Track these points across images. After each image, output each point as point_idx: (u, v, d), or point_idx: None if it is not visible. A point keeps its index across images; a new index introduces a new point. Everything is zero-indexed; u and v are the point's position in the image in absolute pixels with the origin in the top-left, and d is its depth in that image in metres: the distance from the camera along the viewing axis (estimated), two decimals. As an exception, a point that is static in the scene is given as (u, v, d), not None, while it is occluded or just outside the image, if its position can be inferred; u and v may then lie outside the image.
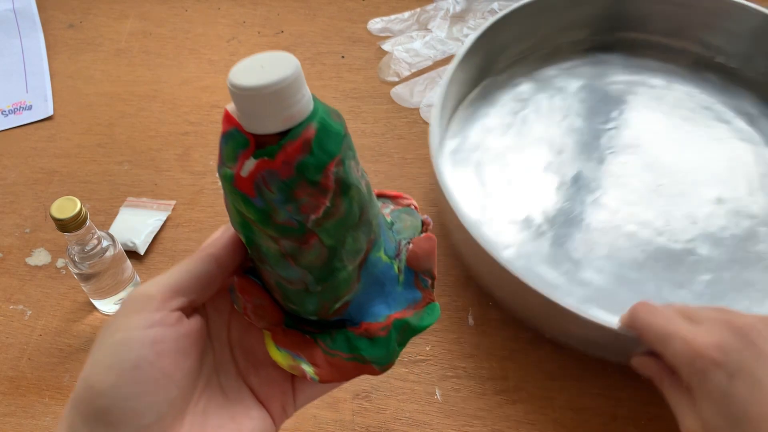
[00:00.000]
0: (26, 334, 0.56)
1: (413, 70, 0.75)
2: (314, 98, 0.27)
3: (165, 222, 0.63)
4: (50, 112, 0.74)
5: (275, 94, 0.25)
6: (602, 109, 0.64)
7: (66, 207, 0.47)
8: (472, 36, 0.61)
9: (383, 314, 0.31)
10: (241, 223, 0.29)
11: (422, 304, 0.32)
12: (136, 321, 0.26)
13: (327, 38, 0.80)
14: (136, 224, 0.61)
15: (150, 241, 0.61)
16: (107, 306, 0.56)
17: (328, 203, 0.27)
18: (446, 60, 0.76)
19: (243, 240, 0.30)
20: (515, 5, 0.63)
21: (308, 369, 0.31)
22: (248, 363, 0.31)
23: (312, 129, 0.26)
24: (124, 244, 0.59)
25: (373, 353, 0.31)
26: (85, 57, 0.80)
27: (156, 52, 0.80)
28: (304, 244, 0.28)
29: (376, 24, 0.81)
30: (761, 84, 0.65)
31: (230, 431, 0.28)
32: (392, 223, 0.33)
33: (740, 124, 0.63)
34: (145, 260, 0.60)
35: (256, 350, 0.31)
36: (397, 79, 0.74)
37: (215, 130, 0.71)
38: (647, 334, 0.38)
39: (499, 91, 0.67)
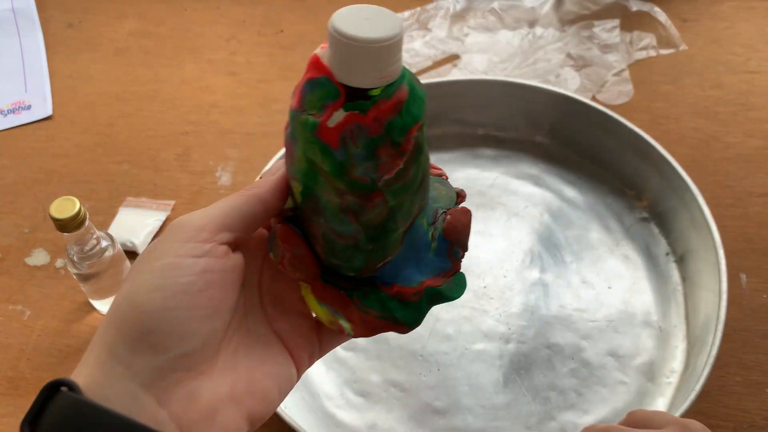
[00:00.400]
0: (25, 334, 0.56)
1: (413, 71, 0.75)
2: None
3: (164, 222, 0.62)
4: (49, 112, 0.74)
5: (384, 49, 0.25)
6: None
7: (65, 207, 0.47)
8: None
9: (416, 279, 0.32)
10: (306, 172, 0.28)
11: (450, 274, 0.33)
12: (185, 248, 0.26)
13: (327, 38, 0.80)
14: (136, 224, 0.61)
15: (149, 241, 0.61)
16: (106, 306, 0.56)
17: (402, 165, 0.27)
18: (446, 59, 0.76)
19: (297, 189, 0.29)
20: None
21: (345, 325, 0.31)
22: (276, 310, 0.31)
23: (404, 91, 0.26)
24: (123, 244, 0.59)
25: (404, 315, 0.32)
26: (84, 57, 0.80)
27: (155, 52, 0.80)
28: (369, 202, 0.28)
29: (376, 23, 0.81)
30: (526, 144, 0.64)
31: (260, 374, 0.28)
32: (434, 189, 0.33)
33: (529, 188, 0.61)
34: (144, 260, 0.60)
35: (285, 298, 0.31)
36: (397, 79, 0.74)
37: (215, 129, 0.71)
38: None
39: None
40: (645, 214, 0.58)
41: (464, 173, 0.62)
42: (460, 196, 0.34)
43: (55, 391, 0.24)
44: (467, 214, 0.33)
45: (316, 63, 0.27)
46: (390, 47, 0.25)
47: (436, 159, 0.63)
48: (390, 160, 0.27)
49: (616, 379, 0.49)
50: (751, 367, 0.52)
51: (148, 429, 0.23)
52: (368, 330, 0.32)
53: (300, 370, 0.31)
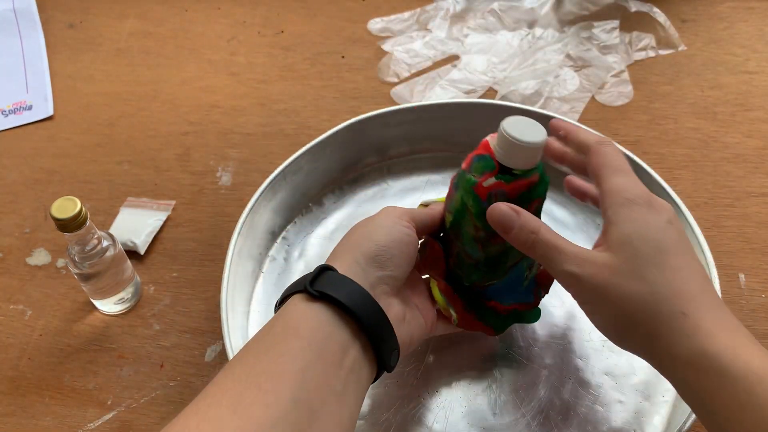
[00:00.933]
0: (26, 334, 0.56)
1: (412, 71, 0.75)
2: None
3: (165, 222, 0.63)
4: (50, 112, 0.74)
5: (533, 149, 0.39)
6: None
7: (66, 207, 0.47)
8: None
9: (508, 301, 0.47)
10: (459, 209, 0.43)
11: (532, 306, 0.48)
12: (398, 223, 0.43)
13: (327, 38, 0.80)
14: (137, 224, 0.62)
15: (150, 240, 0.61)
16: (107, 306, 0.56)
17: None
18: (446, 60, 0.76)
19: (449, 219, 0.45)
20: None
21: (453, 314, 0.47)
22: (411, 291, 0.46)
23: (536, 176, 0.41)
24: (124, 244, 0.59)
25: (495, 322, 0.48)
26: (85, 57, 0.80)
27: (156, 52, 0.80)
28: (493, 240, 0.42)
29: (376, 24, 0.81)
30: None
31: (415, 316, 0.44)
32: None
33: None
34: (145, 260, 0.60)
35: (417, 285, 0.47)
36: (396, 80, 0.75)
37: (215, 129, 0.71)
38: (608, 161, 0.41)
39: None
40: None
41: None
42: None
43: (323, 269, 0.40)
44: None
45: (486, 145, 0.42)
46: (534, 149, 0.39)
47: (427, 180, 0.64)
48: None
49: (613, 398, 0.49)
50: (749, 366, 0.52)
51: (372, 299, 0.39)
52: (467, 324, 0.47)
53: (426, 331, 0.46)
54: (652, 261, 0.36)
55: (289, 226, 0.60)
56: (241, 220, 0.54)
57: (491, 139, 0.41)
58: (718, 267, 0.50)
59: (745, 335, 0.35)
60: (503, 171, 0.40)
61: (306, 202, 0.61)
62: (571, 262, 0.38)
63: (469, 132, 0.64)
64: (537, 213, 0.43)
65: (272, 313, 0.54)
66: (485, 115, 0.62)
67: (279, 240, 0.59)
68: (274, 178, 0.57)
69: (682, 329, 0.35)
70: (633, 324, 0.37)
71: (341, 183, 0.63)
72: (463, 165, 0.43)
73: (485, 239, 0.43)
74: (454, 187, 0.43)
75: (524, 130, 0.39)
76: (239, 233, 0.53)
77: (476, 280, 0.46)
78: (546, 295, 0.49)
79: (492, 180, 0.40)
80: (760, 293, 0.56)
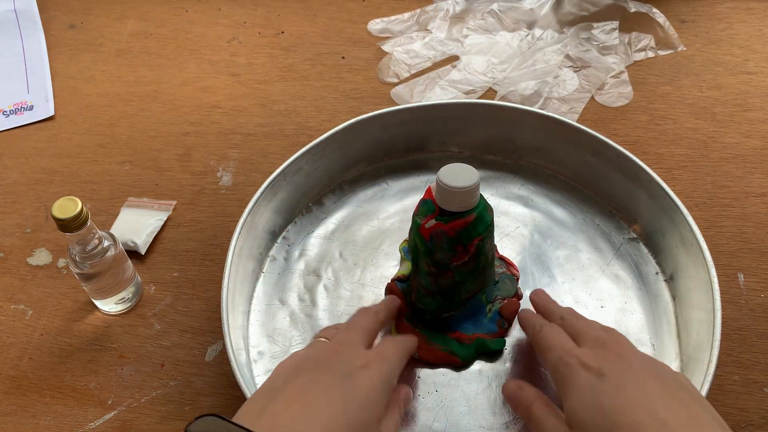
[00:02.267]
0: (27, 333, 0.56)
1: (412, 72, 0.75)
2: (481, 196, 0.46)
3: (166, 222, 0.63)
4: (51, 113, 0.74)
5: (465, 193, 0.44)
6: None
7: (67, 207, 0.47)
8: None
9: (471, 331, 0.51)
10: (414, 249, 0.49)
11: (495, 335, 0.51)
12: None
13: (327, 39, 0.80)
14: (137, 224, 0.62)
15: (151, 240, 0.61)
16: (108, 306, 0.56)
17: (466, 259, 0.47)
18: (446, 61, 0.77)
19: (411, 257, 0.50)
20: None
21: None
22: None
23: (473, 216, 0.45)
24: (125, 244, 0.59)
25: (460, 351, 0.51)
26: (86, 57, 0.80)
27: (157, 53, 0.80)
28: (444, 275, 0.48)
29: (376, 25, 0.81)
30: (514, 166, 0.64)
31: None
32: (497, 282, 0.53)
33: (519, 209, 0.61)
34: (146, 260, 0.60)
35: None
36: (396, 80, 0.75)
37: (216, 130, 0.71)
38: (540, 342, 0.44)
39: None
40: (634, 234, 0.58)
41: None
42: (518, 295, 0.53)
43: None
44: (516, 304, 0.52)
45: (429, 191, 0.47)
46: (465, 192, 0.44)
47: (426, 180, 0.64)
48: (459, 254, 0.46)
49: None
50: (749, 366, 0.52)
51: None
52: (431, 355, 0.51)
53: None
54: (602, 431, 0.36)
55: (289, 226, 0.60)
56: (241, 221, 0.54)
57: (433, 185, 0.46)
58: (718, 267, 0.50)
59: None
60: (442, 213, 0.45)
61: (306, 202, 0.62)
62: None
63: (467, 132, 0.64)
64: (480, 250, 0.47)
65: (272, 313, 0.55)
66: (484, 115, 0.63)
67: (279, 240, 0.59)
68: (275, 179, 0.57)
69: None
70: None
71: (341, 183, 0.63)
72: (415, 209, 0.48)
73: (437, 274, 0.48)
74: (411, 229, 0.49)
75: (458, 176, 0.44)
76: (240, 233, 0.53)
77: (434, 310, 0.50)
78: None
79: (432, 221, 0.46)
80: (759, 293, 0.56)
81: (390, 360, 0.42)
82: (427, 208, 0.46)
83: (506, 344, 0.52)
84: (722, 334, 0.47)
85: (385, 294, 0.54)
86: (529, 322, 0.48)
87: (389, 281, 0.54)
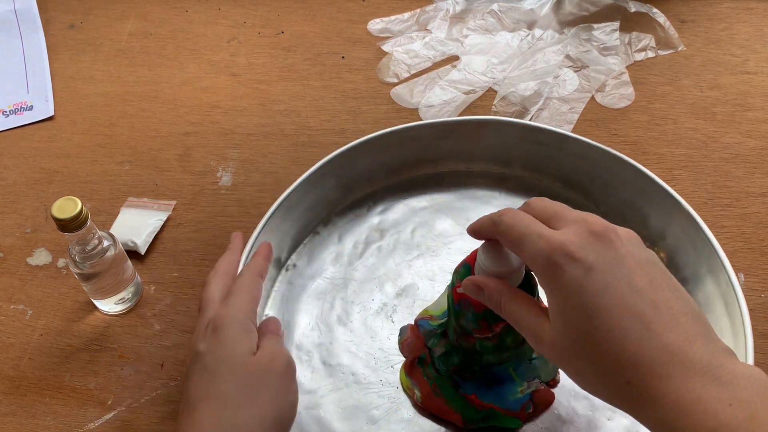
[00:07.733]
0: (27, 333, 0.56)
1: (412, 72, 0.75)
2: (527, 276, 0.42)
3: (166, 222, 0.63)
4: (51, 113, 0.74)
5: (499, 275, 0.41)
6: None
7: (67, 207, 0.47)
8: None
9: (489, 400, 0.47)
10: (447, 301, 0.47)
11: (515, 414, 0.47)
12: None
13: (327, 39, 0.80)
14: (137, 224, 0.62)
15: (151, 241, 0.61)
16: (108, 306, 0.56)
17: (490, 335, 0.44)
18: (446, 61, 0.77)
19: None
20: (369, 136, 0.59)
21: (417, 394, 0.48)
22: None
23: None
24: (124, 244, 0.59)
25: (467, 413, 0.47)
26: (85, 57, 0.80)
27: (156, 53, 0.80)
28: (466, 339, 0.46)
29: (376, 25, 0.81)
30: (509, 179, 0.62)
31: None
32: (534, 358, 0.49)
33: None
34: (146, 260, 0.60)
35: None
36: (396, 80, 0.75)
37: (216, 130, 0.71)
38: (508, 234, 0.38)
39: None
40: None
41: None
42: (555, 381, 0.49)
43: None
44: (552, 396, 0.48)
45: (473, 255, 0.44)
46: (499, 275, 0.41)
47: (432, 200, 0.61)
48: (483, 329, 0.44)
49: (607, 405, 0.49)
50: (748, 366, 0.52)
51: None
52: (434, 406, 0.48)
53: None
54: (583, 334, 0.33)
55: (298, 248, 0.59)
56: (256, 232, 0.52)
57: (479, 253, 0.42)
58: (717, 267, 0.50)
59: (721, 385, 0.30)
60: None
61: (314, 224, 0.60)
62: (529, 339, 0.38)
63: (493, 148, 0.62)
64: (507, 332, 0.44)
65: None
66: (513, 133, 0.61)
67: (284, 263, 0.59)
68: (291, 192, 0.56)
69: (631, 400, 0.32)
70: (599, 395, 0.35)
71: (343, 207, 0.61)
72: (458, 265, 0.46)
73: (460, 334, 0.46)
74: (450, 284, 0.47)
75: (496, 258, 0.40)
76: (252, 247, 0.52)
77: (447, 367, 0.48)
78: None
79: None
80: (759, 293, 0.56)
81: (241, 294, 0.45)
82: (465, 272, 0.44)
83: (522, 427, 0.47)
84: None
85: (401, 331, 0.52)
86: (482, 219, 0.41)
87: (410, 325, 0.52)
